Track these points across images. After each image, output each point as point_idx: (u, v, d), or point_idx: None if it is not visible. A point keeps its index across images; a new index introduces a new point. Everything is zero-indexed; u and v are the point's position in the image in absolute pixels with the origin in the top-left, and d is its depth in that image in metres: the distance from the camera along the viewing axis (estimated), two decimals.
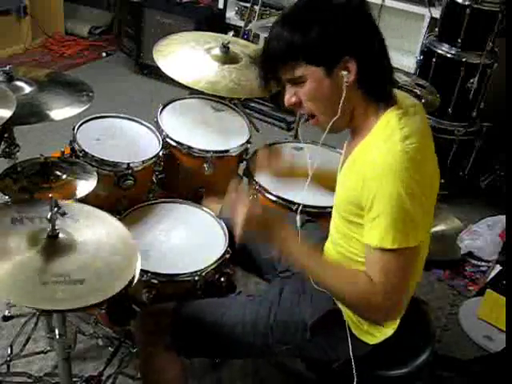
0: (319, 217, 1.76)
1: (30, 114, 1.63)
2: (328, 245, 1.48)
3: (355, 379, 1.35)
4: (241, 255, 1.70)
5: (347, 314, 1.38)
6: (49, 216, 1.21)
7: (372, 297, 1.20)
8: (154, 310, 1.54)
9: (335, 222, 1.42)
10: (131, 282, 1.20)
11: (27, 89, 1.71)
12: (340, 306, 1.39)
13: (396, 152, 1.16)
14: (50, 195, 1.29)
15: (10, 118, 1.42)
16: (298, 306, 1.44)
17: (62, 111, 1.68)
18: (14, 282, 1.12)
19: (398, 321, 1.37)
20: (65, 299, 1.11)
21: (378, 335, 1.38)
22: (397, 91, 1.32)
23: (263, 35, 2.46)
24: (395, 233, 1.16)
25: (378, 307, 1.21)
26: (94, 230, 1.30)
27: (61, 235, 1.23)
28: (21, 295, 1.12)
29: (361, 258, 1.30)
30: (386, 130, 1.22)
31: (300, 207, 1.71)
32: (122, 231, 1.34)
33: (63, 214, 1.22)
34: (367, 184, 1.19)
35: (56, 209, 1.20)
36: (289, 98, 1.29)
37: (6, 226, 1.25)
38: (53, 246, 1.21)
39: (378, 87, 1.25)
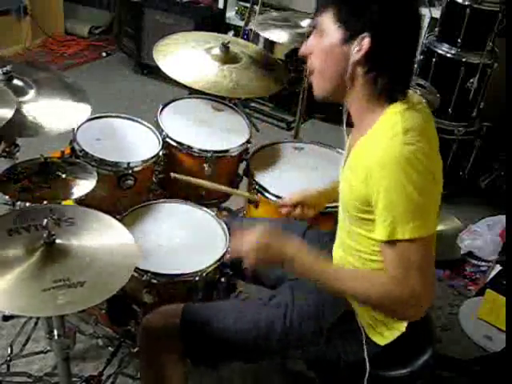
0: (320, 217, 1.76)
1: (26, 127, 1.61)
2: (336, 248, 1.47)
3: (365, 380, 1.35)
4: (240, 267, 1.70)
5: (361, 315, 1.38)
6: (44, 223, 1.21)
7: (394, 292, 1.19)
8: (160, 316, 1.48)
9: (342, 221, 1.41)
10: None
11: (27, 89, 1.70)
12: (353, 307, 1.38)
13: (397, 145, 1.16)
14: (45, 202, 1.29)
15: (9, 123, 1.41)
16: (313, 309, 1.42)
17: (58, 125, 1.67)
18: (15, 292, 1.12)
19: (406, 322, 1.37)
20: (66, 303, 1.11)
21: (388, 336, 1.37)
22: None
23: (263, 35, 2.45)
24: (405, 224, 1.16)
25: (404, 302, 1.20)
26: (90, 232, 1.30)
27: (58, 241, 1.23)
28: (22, 305, 1.11)
29: (371, 256, 1.30)
30: (388, 123, 1.21)
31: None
32: (120, 230, 1.34)
33: (59, 220, 1.23)
34: (372, 178, 1.19)
35: (51, 215, 1.20)
36: (304, 47, 1.31)
37: (3, 238, 1.24)
38: (50, 252, 1.21)
39: (384, 79, 1.23)
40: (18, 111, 1.51)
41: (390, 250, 1.20)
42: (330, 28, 1.23)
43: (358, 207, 1.27)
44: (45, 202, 1.35)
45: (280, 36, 2.39)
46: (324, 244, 1.57)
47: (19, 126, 1.57)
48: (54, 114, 1.69)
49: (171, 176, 1.58)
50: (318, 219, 1.71)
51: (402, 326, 1.36)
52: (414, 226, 1.16)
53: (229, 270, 1.68)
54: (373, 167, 1.18)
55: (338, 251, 1.46)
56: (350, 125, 1.37)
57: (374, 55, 1.20)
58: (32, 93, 1.70)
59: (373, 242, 1.27)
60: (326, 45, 1.24)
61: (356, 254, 1.35)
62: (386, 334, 1.37)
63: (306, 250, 1.31)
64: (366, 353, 1.35)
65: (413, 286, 1.18)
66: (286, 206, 1.63)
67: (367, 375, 1.35)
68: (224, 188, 1.56)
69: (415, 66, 1.29)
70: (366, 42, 1.19)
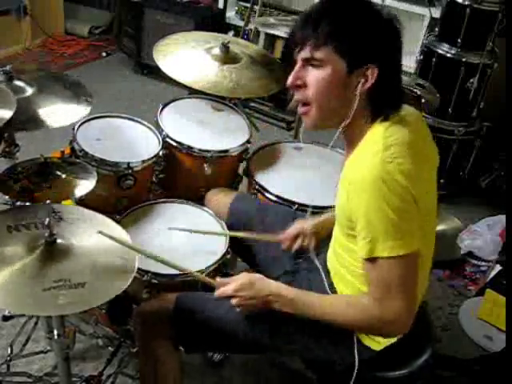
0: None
1: (27, 120, 1.62)
2: (330, 254, 1.47)
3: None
4: (242, 250, 1.72)
5: None
6: (46, 222, 1.21)
7: (375, 315, 1.21)
8: (155, 302, 1.52)
9: (335, 232, 1.42)
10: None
11: (27, 89, 1.71)
12: None
13: (377, 164, 1.15)
14: (48, 200, 1.29)
15: (10, 120, 1.42)
16: None
17: (59, 118, 1.67)
18: (15, 290, 1.12)
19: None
20: (67, 304, 1.11)
21: (383, 342, 1.37)
22: None
23: (264, 31, 2.44)
24: (383, 242, 1.16)
25: (385, 322, 1.21)
26: (90, 233, 1.30)
27: (58, 240, 1.23)
28: (22, 304, 1.12)
29: (361, 270, 1.29)
30: (371, 140, 1.22)
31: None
32: (119, 232, 1.34)
33: (60, 220, 1.22)
34: (353, 197, 1.20)
35: (53, 214, 1.20)
36: (295, 78, 1.26)
37: (3, 234, 1.24)
38: (51, 252, 1.21)
39: (386, 103, 1.24)
40: (18, 106, 1.52)
41: (371, 266, 1.20)
42: (332, 59, 1.20)
43: (345, 223, 1.28)
44: (47, 201, 1.34)
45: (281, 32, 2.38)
46: (323, 245, 1.57)
47: (20, 120, 1.58)
48: (56, 108, 1.69)
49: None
50: None
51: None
52: (394, 244, 1.16)
53: (229, 271, 1.68)
54: (352, 186, 1.19)
55: (331, 256, 1.45)
56: None
57: (380, 85, 1.21)
58: (33, 90, 1.70)
59: (356, 256, 1.27)
60: (328, 74, 1.21)
61: (348, 267, 1.35)
62: (379, 340, 1.37)
63: (286, 287, 1.33)
64: (356, 356, 1.35)
65: (393, 305, 1.19)
66: (286, 240, 1.62)
67: (354, 378, 1.35)
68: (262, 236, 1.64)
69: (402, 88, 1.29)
70: (373, 72, 1.19)
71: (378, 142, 1.19)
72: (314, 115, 1.27)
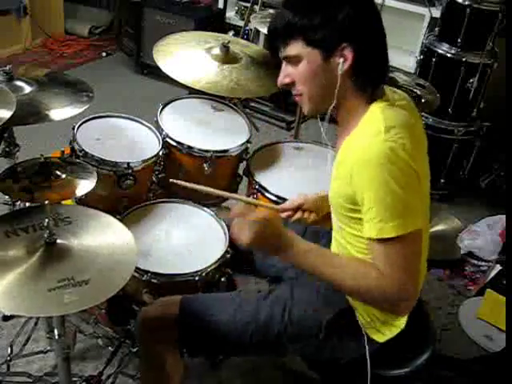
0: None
1: (29, 114, 1.63)
2: (333, 249, 1.47)
3: (369, 378, 1.36)
4: (240, 259, 1.70)
5: (360, 312, 1.38)
6: (45, 223, 1.21)
7: (383, 287, 1.20)
8: (159, 306, 1.50)
9: (335, 223, 1.42)
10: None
11: (27, 89, 1.71)
12: (352, 304, 1.39)
13: (379, 142, 1.16)
14: (46, 202, 1.29)
15: (11, 117, 1.42)
16: (312, 304, 1.43)
17: (61, 111, 1.68)
18: (20, 293, 1.12)
19: (405, 318, 1.37)
20: (73, 302, 1.12)
21: (387, 333, 1.38)
22: (385, 86, 1.33)
23: (263, 31, 2.44)
24: (392, 221, 1.16)
25: (393, 296, 1.21)
26: (90, 232, 1.31)
27: (58, 240, 1.23)
28: (29, 306, 1.11)
29: (364, 256, 1.29)
30: (370, 122, 1.22)
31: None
32: (119, 228, 1.35)
33: (58, 221, 1.23)
34: (355, 177, 1.20)
35: (52, 215, 1.21)
36: (282, 77, 1.31)
37: (1, 240, 1.24)
38: (52, 252, 1.21)
39: (371, 80, 1.26)
40: (19, 103, 1.52)
41: (378, 246, 1.20)
42: (305, 52, 1.24)
43: (346, 206, 1.28)
44: (46, 202, 1.35)
45: None
46: (324, 244, 1.57)
47: (21, 116, 1.58)
48: (57, 102, 1.70)
49: (170, 181, 1.57)
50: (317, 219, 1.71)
51: (401, 323, 1.36)
52: (401, 222, 1.17)
53: (229, 270, 1.68)
54: (355, 166, 1.19)
55: (333, 248, 1.46)
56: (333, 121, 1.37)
57: (359, 61, 1.22)
58: (33, 88, 1.71)
59: (362, 239, 1.27)
60: (309, 67, 1.25)
61: (350, 250, 1.35)
62: (384, 331, 1.37)
63: (300, 239, 1.29)
64: (367, 349, 1.35)
65: (399, 281, 1.19)
66: (287, 209, 1.62)
67: (369, 373, 1.35)
68: (222, 193, 1.54)
69: (388, 59, 1.30)
70: (349, 51, 1.21)
71: (378, 123, 1.20)
72: (307, 104, 1.32)
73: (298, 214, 1.60)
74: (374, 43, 1.25)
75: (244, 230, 1.25)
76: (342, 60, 1.21)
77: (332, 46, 1.21)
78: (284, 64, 1.31)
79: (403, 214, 1.17)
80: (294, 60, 1.26)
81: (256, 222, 1.25)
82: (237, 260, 1.69)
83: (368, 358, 1.35)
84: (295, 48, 1.24)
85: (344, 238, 1.36)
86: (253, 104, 3.78)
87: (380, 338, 1.38)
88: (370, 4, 1.25)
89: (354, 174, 1.20)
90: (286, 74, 1.30)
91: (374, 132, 1.19)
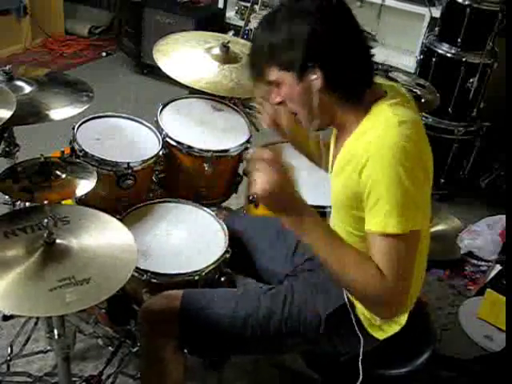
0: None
1: (29, 114, 1.63)
2: None
3: (360, 375, 1.35)
4: (240, 261, 1.70)
5: (359, 309, 1.38)
6: (45, 223, 1.21)
7: (378, 286, 1.16)
8: (161, 299, 1.50)
9: (336, 226, 1.41)
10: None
11: (27, 89, 1.71)
12: (352, 300, 1.38)
13: (393, 134, 1.16)
14: (46, 201, 1.29)
15: (11, 117, 1.42)
16: (312, 299, 1.44)
17: (61, 111, 1.68)
18: (21, 294, 1.12)
19: (406, 316, 1.37)
20: (75, 301, 1.12)
21: (388, 330, 1.38)
22: (387, 85, 1.33)
23: None
24: (398, 216, 1.14)
25: (388, 300, 1.18)
26: (90, 231, 1.31)
27: (58, 240, 1.23)
28: (31, 306, 1.12)
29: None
30: (379, 117, 1.22)
31: None
32: (119, 227, 1.35)
33: (57, 221, 1.23)
34: (364, 168, 1.18)
35: (51, 215, 1.21)
36: (273, 97, 1.32)
37: (1, 241, 1.24)
38: (52, 252, 1.21)
39: (354, 89, 1.25)
40: (20, 102, 1.52)
41: (380, 242, 1.17)
42: (281, 76, 1.25)
43: (351, 205, 1.27)
44: (44, 202, 1.35)
45: None
46: None
47: (21, 115, 1.58)
48: (57, 102, 1.70)
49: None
50: None
51: (402, 320, 1.36)
52: (406, 219, 1.15)
53: (229, 270, 1.68)
54: (364, 157, 1.18)
55: None
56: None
57: (329, 75, 1.22)
58: (33, 88, 1.71)
59: (361, 239, 1.26)
60: (288, 90, 1.27)
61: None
62: (385, 328, 1.38)
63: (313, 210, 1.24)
64: (361, 344, 1.35)
65: (396, 284, 1.16)
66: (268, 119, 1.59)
67: (361, 367, 1.34)
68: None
69: (371, 53, 1.29)
70: (316, 70, 1.21)
71: (389, 116, 1.19)
72: (304, 123, 1.33)
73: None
74: (342, 54, 1.22)
75: (265, 177, 1.20)
76: (314, 77, 1.22)
77: (301, 66, 1.22)
78: (271, 87, 1.31)
79: (410, 210, 1.15)
80: (276, 83, 1.28)
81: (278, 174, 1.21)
82: (237, 261, 1.70)
83: (361, 353, 1.35)
84: (272, 73, 1.26)
85: (356, 239, 1.35)
86: (253, 104, 3.78)
87: (380, 335, 1.38)
88: (329, 18, 1.22)
89: (364, 164, 1.18)
90: (276, 94, 1.31)
91: (387, 124, 1.18)
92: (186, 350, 1.49)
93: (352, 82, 1.25)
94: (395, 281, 1.16)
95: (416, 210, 1.17)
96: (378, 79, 1.34)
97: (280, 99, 1.31)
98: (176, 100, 2.16)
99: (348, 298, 1.39)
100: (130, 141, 1.96)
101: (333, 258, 1.20)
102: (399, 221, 1.15)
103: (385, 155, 1.15)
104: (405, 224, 1.15)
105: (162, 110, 2.08)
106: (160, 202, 1.85)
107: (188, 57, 2.08)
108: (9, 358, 1.88)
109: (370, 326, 1.38)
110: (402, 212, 1.15)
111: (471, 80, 2.95)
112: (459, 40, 2.90)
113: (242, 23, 3.89)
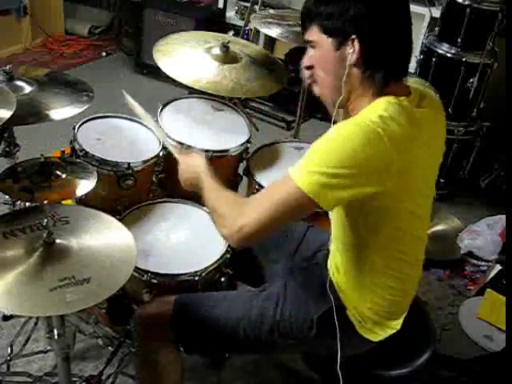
0: (320, 217, 1.75)
1: (29, 113, 1.63)
2: (333, 252, 1.46)
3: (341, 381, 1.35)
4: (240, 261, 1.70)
5: (350, 310, 1.38)
6: (44, 223, 1.21)
7: (236, 212, 1.25)
8: (154, 304, 1.52)
9: (334, 221, 1.41)
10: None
11: (27, 89, 1.71)
12: (343, 302, 1.38)
13: (356, 123, 1.17)
14: (46, 201, 1.29)
15: (11, 117, 1.42)
16: (304, 300, 1.44)
17: (61, 111, 1.68)
18: (21, 293, 1.12)
19: (401, 320, 1.37)
20: (75, 300, 1.12)
21: (381, 333, 1.38)
22: (412, 82, 1.33)
23: (263, 31, 2.43)
24: (301, 166, 1.18)
25: (232, 223, 1.25)
26: (88, 230, 1.31)
27: (58, 240, 1.23)
28: (31, 306, 1.12)
29: (361, 252, 1.30)
30: (369, 110, 1.22)
31: None
32: (118, 227, 1.35)
33: (57, 221, 1.23)
34: None
35: (50, 215, 1.21)
36: (306, 59, 1.33)
37: (0, 240, 1.24)
38: (51, 252, 1.21)
39: (381, 74, 1.25)
40: (20, 102, 1.52)
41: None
42: (320, 39, 1.27)
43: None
44: (44, 202, 1.35)
45: (278, 33, 2.36)
46: (324, 244, 1.57)
47: (22, 115, 1.58)
48: (58, 102, 1.70)
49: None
50: (317, 219, 1.71)
51: (397, 325, 1.36)
52: (302, 173, 1.17)
53: (229, 270, 1.68)
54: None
55: (335, 255, 1.44)
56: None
57: (366, 53, 1.23)
58: (33, 88, 1.71)
59: (358, 231, 1.28)
60: (321, 54, 1.28)
61: (347, 250, 1.36)
62: (377, 331, 1.37)
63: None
64: (339, 348, 1.35)
65: (253, 214, 1.21)
66: None
67: (340, 373, 1.34)
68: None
69: (412, 52, 1.32)
70: (356, 43, 1.22)
71: (375, 112, 1.18)
72: (322, 92, 1.34)
73: None
74: (385, 40, 1.24)
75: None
76: (351, 51, 1.23)
77: (343, 36, 1.23)
78: (308, 47, 1.33)
79: (312, 175, 1.16)
80: (312, 45, 1.30)
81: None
82: (236, 262, 1.70)
83: (338, 358, 1.34)
84: (313, 33, 1.28)
85: (342, 232, 1.36)
86: (253, 104, 3.78)
87: (374, 337, 1.38)
88: (387, 4, 1.26)
89: None
90: (308, 56, 1.33)
91: (368, 116, 1.18)
92: (182, 349, 1.50)
93: (383, 68, 1.25)
94: (250, 209, 1.23)
95: (318, 176, 1.15)
96: (417, 83, 1.36)
97: (310, 63, 1.32)
98: (176, 100, 2.16)
99: (339, 299, 1.39)
100: (130, 141, 1.96)
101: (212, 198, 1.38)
102: (299, 170, 1.18)
103: (341, 124, 1.19)
104: (297, 174, 1.17)
105: (162, 110, 2.08)
106: (160, 202, 1.85)
107: (188, 57, 2.08)
108: (9, 357, 1.88)
109: (361, 328, 1.38)
110: (303, 165, 1.18)
111: (471, 80, 2.95)
112: (459, 40, 2.90)
113: (242, 23, 3.89)
